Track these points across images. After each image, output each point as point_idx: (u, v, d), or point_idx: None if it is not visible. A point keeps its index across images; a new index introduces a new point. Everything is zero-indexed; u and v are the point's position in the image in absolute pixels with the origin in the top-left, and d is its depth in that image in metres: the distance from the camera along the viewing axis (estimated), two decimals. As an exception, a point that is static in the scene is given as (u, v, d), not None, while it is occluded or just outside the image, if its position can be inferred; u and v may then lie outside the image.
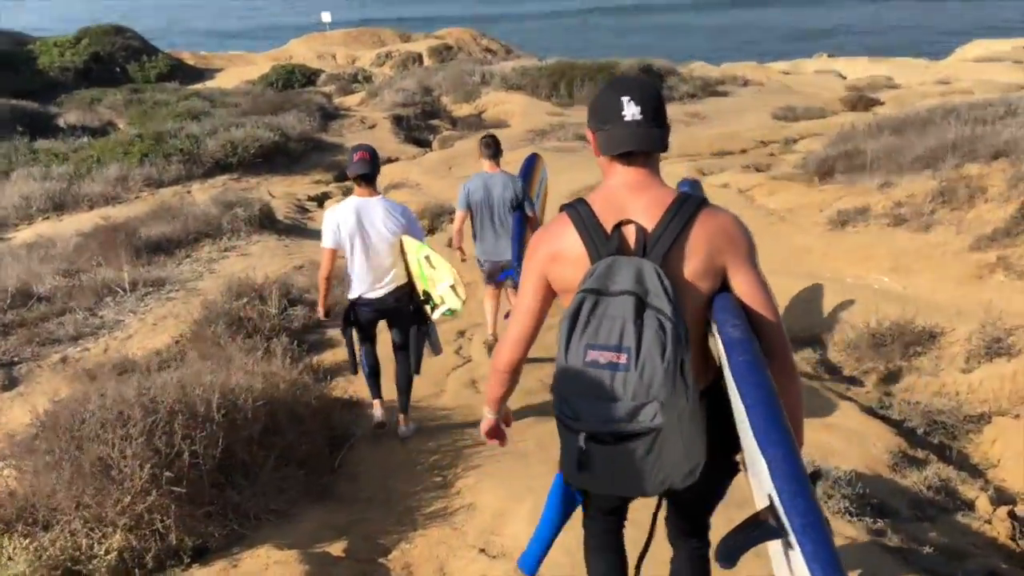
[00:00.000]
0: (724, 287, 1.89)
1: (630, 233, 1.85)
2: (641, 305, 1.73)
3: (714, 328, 1.85)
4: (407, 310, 4.43)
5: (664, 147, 1.91)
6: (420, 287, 4.35)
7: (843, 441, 4.33)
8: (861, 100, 16.47)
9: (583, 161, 10.60)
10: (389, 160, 13.70)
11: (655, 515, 2.18)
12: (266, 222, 9.19)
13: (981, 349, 5.15)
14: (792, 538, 1.45)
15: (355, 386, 5.23)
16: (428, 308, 4.38)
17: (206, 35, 55.21)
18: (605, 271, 1.78)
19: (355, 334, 4.48)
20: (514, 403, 4.73)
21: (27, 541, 3.00)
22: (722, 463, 2.00)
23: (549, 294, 2.00)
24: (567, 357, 1.76)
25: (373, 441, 4.53)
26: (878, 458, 4.25)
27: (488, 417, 2.29)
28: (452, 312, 4.33)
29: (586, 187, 8.55)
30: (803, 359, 5.68)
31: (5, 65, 23.82)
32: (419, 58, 28.17)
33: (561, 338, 1.77)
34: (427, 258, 4.24)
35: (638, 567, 2.29)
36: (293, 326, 6.11)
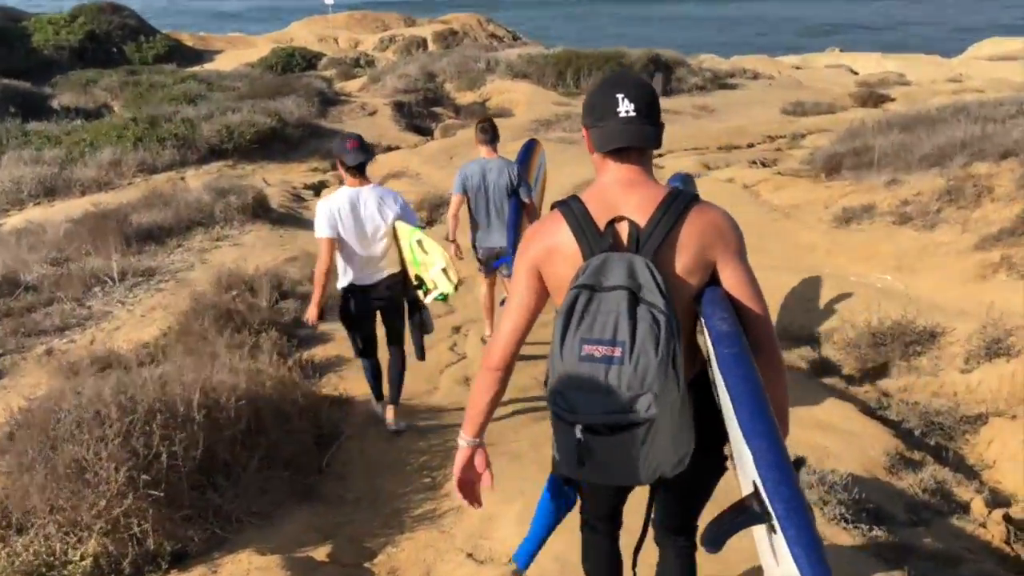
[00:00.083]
0: (713, 281, 1.93)
1: (623, 229, 1.88)
2: (634, 300, 1.76)
3: (703, 321, 1.89)
4: (401, 302, 4.42)
5: (658, 144, 1.93)
6: (413, 272, 4.33)
7: (840, 443, 4.29)
8: (872, 96, 16.38)
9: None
10: (389, 148, 13.56)
11: (648, 510, 2.23)
12: (260, 211, 9.06)
13: (981, 349, 5.12)
14: (776, 523, 1.51)
15: (346, 383, 5.13)
16: (421, 293, 4.36)
17: (206, 16, 54.85)
18: (598, 267, 1.81)
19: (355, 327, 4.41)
20: (508, 402, 4.70)
21: (0, 546, 2.91)
22: (710, 454, 2.03)
23: (542, 290, 2.00)
24: (562, 352, 1.78)
25: (362, 440, 4.44)
26: (875, 460, 4.20)
27: (463, 446, 2.11)
28: (444, 296, 4.31)
29: (586, 181, 8.44)
30: (801, 357, 5.62)
31: (-2, 42, 23.62)
32: (423, 43, 27.93)
33: (556, 333, 1.80)
34: (419, 242, 4.21)
35: (634, 560, 2.31)
36: (283, 320, 5.99)
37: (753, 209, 8.72)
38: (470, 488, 2.16)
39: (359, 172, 4.22)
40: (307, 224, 9.47)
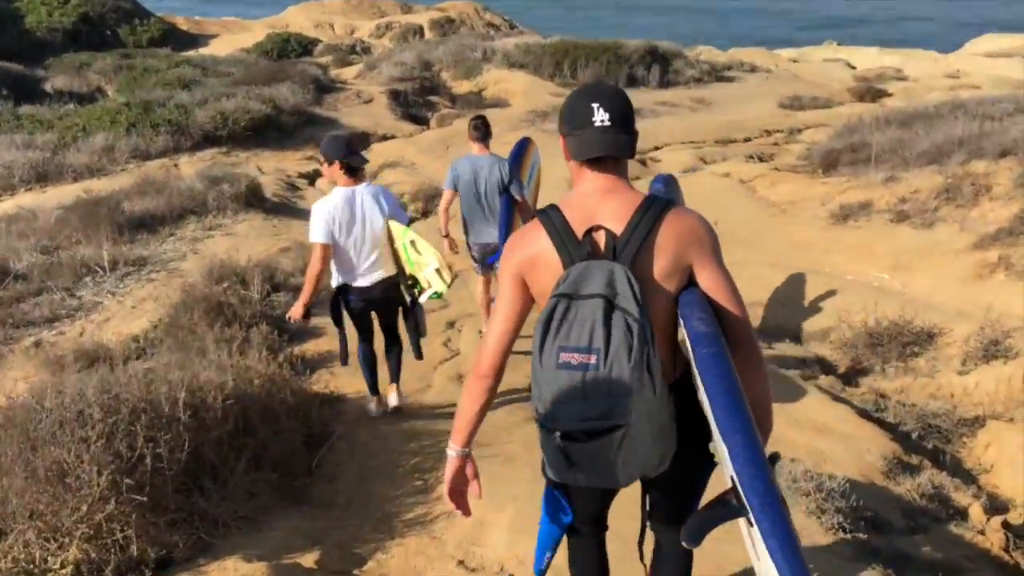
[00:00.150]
0: (691, 284, 1.98)
1: (600, 238, 1.93)
2: (610, 307, 1.81)
3: (681, 322, 1.94)
4: (395, 303, 4.43)
5: (632, 153, 1.99)
6: (407, 271, 4.35)
7: (837, 447, 4.25)
8: (869, 91, 16.36)
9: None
10: (384, 137, 13.43)
11: (644, 503, 2.30)
12: (253, 200, 8.94)
13: (978, 351, 5.13)
14: (751, 516, 1.56)
15: (337, 380, 5.05)
16: (416, 292, 4.37)
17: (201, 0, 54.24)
18: (577, 276, 1.86)
19: (349, 326, 4.41)
20: (502, 402, 4.63)
21: (-23, 551, 2.83)
22: (695, 453, 2.04)
23: (527, 296, 2.05)
24: (542, 359, 1.84)
25: (353, 440, 4.36)
26: (872, 465, 4.16)
27: (452, 456, 2.12)
28: (438, 295, 4.34)
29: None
30: (797, 356, 5.58)
31: (-10, 23, 23.34)
32: (420, 31, 27.68)
33: (536, 342, 1.86)
34: (412, 243, 4.24)
35: (640, 552, 2.38)
36: (275, 313, 5.90)
37: (750, 204, 8.69)
38: (460, 498, 2.19)
39: (357, 172, 4.22)
40: (301, 213, 9.36)
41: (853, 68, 20.82)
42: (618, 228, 1.93)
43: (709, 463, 2.07)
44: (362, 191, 4.21)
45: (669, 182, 2.83)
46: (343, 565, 3.35)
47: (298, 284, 6.48)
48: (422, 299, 4.36)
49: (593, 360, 1.79)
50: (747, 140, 12.47)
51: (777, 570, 1.49)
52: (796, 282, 6.63)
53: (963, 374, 5.08)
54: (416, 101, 16.09)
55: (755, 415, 1.76)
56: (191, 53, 23.68)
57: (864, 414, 4.75)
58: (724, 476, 1.82)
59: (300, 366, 4.92)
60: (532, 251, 1.99)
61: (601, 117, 1.93)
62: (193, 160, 11.39)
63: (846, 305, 5.79)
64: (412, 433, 4.43)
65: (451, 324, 6.06)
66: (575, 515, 2.32)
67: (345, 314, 4.42)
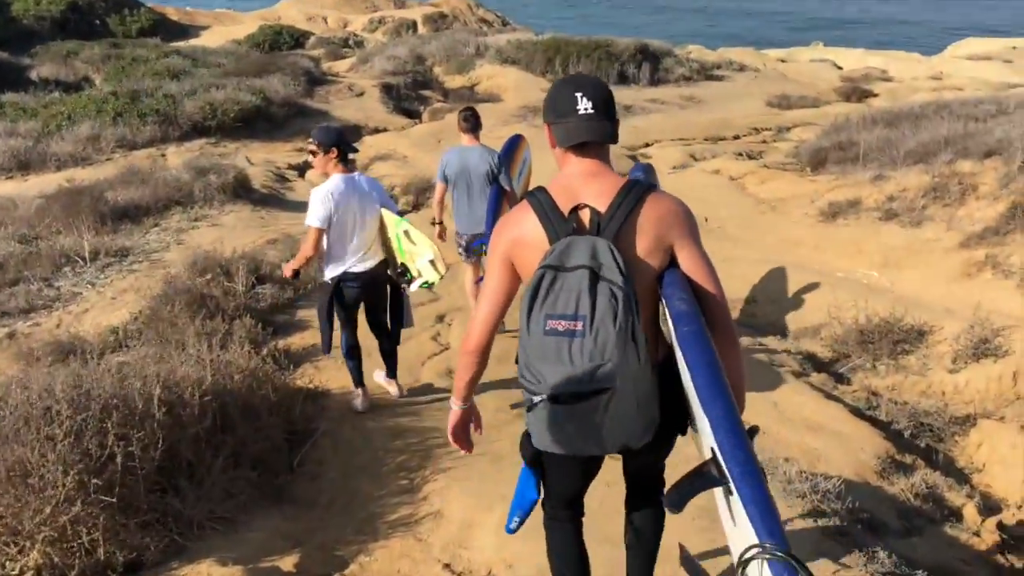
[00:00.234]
0: (673, 265, 2.07)
1: (585, 215, 2.02)
2: (595, 278, 1.90)
3: (663, 302, 2.02)
4: (385, 288, 4.46)
5: (614, 139, 2.08)
6: (398, 260, 4.38)
7: (831, 445, 4.22)
8: (856, 91, 16.51)
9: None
10: (376, 131, 13.32)
11: (625, 473, 2.44)
12: (241, 191, 8.78)
13: (968, 349, 5.16)
14: (732, 484, 1.61)
15: (323, 374, 4.90)
16: (405, 280, 4.41)
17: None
18: (563, 249, 1.95)
19: (336, 315, 4.38)
20: (490, 399, 4.51)
21: (-67, 554, 2.67)
22: (673, 432, 2.18)
23: (515, 277, 2.14)
24: (529, 327, 1.93)
25: (337, 437, 4.21)
26: (866, 464, 4.14)
27: (455, 409, 2.33)
28: (429, 285, 4.38)
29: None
30: (788, 353, 5.52)
31: (-24, 11, 22.99)
32: (413, 25, 27.52)
33: (523, 311, 1.94)
34: (406, 233, 4.27)
35: (628, 518, 2.52)
36: (260, 305, 5.74)
37: (740, 201, 8.70)
38: (463, 441, 2.40)
39: (349, 161, 4.27)
40: (290, 205, 9.20)
41: (839, 68, 20.93)
42: (601, 207, 2.02)
43: (677, 432, 2.22)
44: (357, 178, 4.25)
45: (648, 170, 2.86)
46: (324, 568, 3.22)
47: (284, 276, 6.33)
48: (412, 288, 4.39)
49: (579, 326, 1.88)
50: (736, 138, 12.54)
51: (756, 533, 1.54)
52: (785, 278, 6.61)
53: (954, 372, 5.10)
54: (408, 95, 16.00)
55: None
56: (181, 44, 23.42)
57: (857, 412, 4.73)
58: (703, 448, 1.90)
59: (284, 360, 4.76)
60: (520, 230, 2.07)
61: (584, 105, 2.02)
62: (181, 150, 11.20)
63: (836, 302, 5.76)
64: (398, 430, 4.29)
65: (441, 318, 5.93)
66: (552, 501, 2.41)
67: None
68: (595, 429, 1.94)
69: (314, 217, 4.06)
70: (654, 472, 2.43)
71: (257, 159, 11.17)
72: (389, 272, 4.43)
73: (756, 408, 4.25)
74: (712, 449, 1.71)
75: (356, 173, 4.30)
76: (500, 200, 5.09)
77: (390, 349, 4.61)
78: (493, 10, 31.70)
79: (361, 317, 4.52)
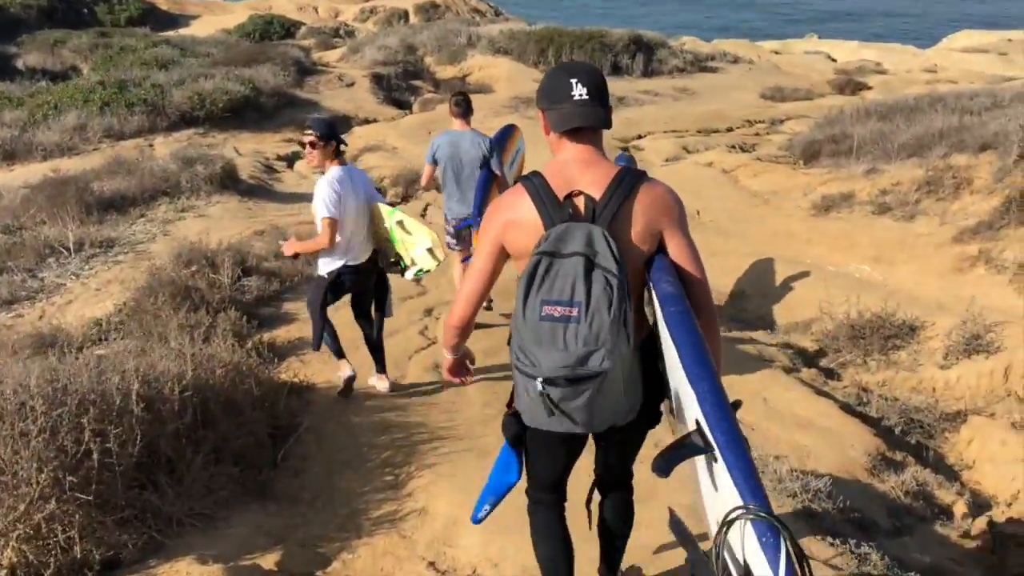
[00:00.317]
0: (661, 250, 2.14)
1: (580, 202, 2.07)
2: (590, 265, 1.95)
3: (651, 284, 2.09)
4: (373, 279, 4.48)
5: (608, 124, 2.12)
6: (393, 250, 4.41)
7: (821, 442, 4.20)
8: (849, 84, 16.47)
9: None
10: (366, 121, 13.23)
11: (597, 465, 2.51)
12: (228, 182, 8.70)
13: (960, 345, 5.13)
14: (717, 452, 1.70)
15: (308, 368, 4.85)
16: (398, 270, 4.44)
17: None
18: (558, 236, 1.99)
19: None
20: (477, 394, 4.47)
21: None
22: (650, 408, 2.24)
23: (502, 258, 2.20)
24: (525, 312, 1.97)
25: (321, 432, 4.16)
26: (856, 461, 4.12)
27: (448, 358, 2.45)
28: (422, 274, 4.45)
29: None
30: (780, 349, 5.48)
31: (-39, -1, 22.68)
32: (405, 15, 27.29)
33: (519, 296, 1.99)
34: (400, 223, 4.30)
35: (588, 510, 2.58)
36: (245, 298, 5.68)
37: (732, 194, 8.67)
38: (459, 373, 2.52)
39: (342, 152, 4.24)
40: (278, 196, 9.12)
41: (834, 61, 20.91)
42: (597, 195, 2.07)
43: (656, 419, 2.32)
44: (351, 170, 4.28)
45: (630, 160, 2.86)
46: (306, 567, 3.17)
47: (271, 268, 6.28)
48: (407, 276, 4.44)
49: (575, 312, 1.93)
50: (729, 130, 12.50)
51: (740, 496, 1.61)
52: (776, 272, 6.57)
53: (945, 368, 5.08)
54: (399, 85, 15.87)
55: None
56: (170, 33, 23.17)
57: (847, 408, 4.72)
58: (688, 421, 1.96)
59: (268, 354, 4.68)
60: (514, 213, 2.11)
61: (579, 92, 2.06)
62: (169, 140, 11.09)
63: (828, 296, 5.72)
64: (383, 425, 4.25)
65: (428, 312, 5.88)
66: (536, 485, 2.44)
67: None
68: (586, 410, 2.00)
69: (326, 208, 4.04)
70: (625, 455, 2.49)
71: (246, 150, 11.07)
72: (380, 263, 4.43)
73: (746, 404, 4.18)
74: (697, 420, 1.79)
75: (349, 165, 4.32)
76: (489, 183, 5.06)
77: (377, 341, 4.58)
78: (486, 0, 31.50)
79: (345, 308, 4.49)
